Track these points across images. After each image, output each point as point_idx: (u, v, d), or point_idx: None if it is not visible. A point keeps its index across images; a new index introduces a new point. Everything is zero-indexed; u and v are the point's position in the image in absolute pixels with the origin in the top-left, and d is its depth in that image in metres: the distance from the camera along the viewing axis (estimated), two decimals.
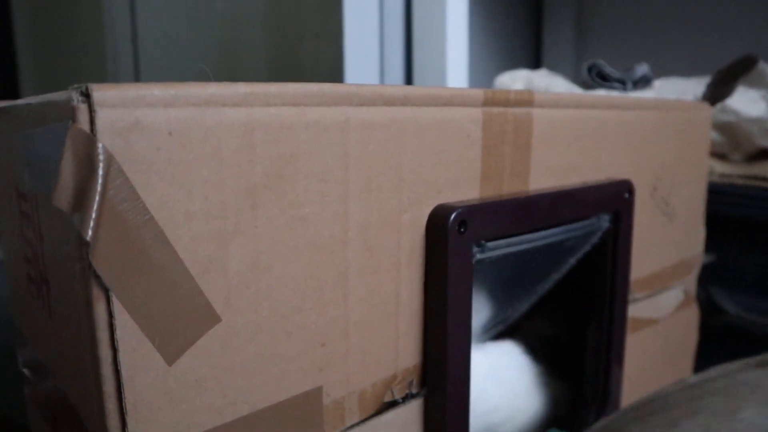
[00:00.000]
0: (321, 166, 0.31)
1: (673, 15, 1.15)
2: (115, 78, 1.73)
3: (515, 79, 0.85)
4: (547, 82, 0.83)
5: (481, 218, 0.38)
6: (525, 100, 0.42)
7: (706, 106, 0.63)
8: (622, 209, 0.50)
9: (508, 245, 0.41)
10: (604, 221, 0.49)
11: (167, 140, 0.26)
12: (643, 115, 0.54)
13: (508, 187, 0.42)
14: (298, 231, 0.31)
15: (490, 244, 0.39)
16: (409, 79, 0.90)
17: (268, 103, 0.29)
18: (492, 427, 0.50)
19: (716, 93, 0.64)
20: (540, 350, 0.58)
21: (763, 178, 0.68)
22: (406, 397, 0.38)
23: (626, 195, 0.50)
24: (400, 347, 0.37)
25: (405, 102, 0.34)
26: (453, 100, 0.37)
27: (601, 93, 0.81)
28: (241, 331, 0.29)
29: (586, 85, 0.84)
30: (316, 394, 0.33)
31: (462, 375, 0.38)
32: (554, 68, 1.16)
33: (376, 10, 0.87)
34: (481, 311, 0.49)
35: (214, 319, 0.28)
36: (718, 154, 0.75)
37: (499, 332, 0.55)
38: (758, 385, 0.35)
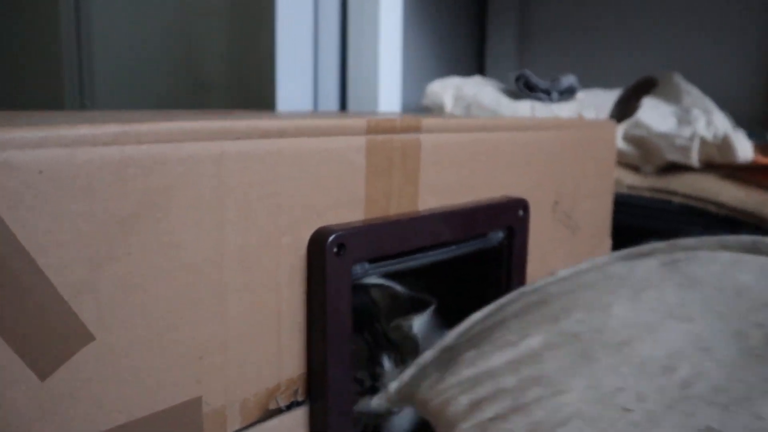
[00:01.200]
0: (195, 196, 0.34)
1: (612, 23, 1.20)
2: (69, 68, 1.72)
3: (445, 88, 0.89)
4: (475, 90, 0.87)
5: (361, 240, 0.41)
6: (412, 126, 0.45)
7: (611, 123, 0.67)
8: (516, 225, 0.54)
9: (393, 264, 0.45)
10: (499, 236, 0.53)
11: (37, 178, 0.29)
12: (543, 135, 0.58)
13: (396, 209, 0.45)
14: (172, 255, 0.34)
15: (370, 266, 0.43)
16: (343, 85, 0.93)
17: (140, 141, 0.32)
18: None
19: (622, 111, 0.68)
20: None
21: (667, 191, 0.72)
22: (291, 405, 0.42)
23: (520, 212, 0.54)
24: (284, 359, 0.40)
25: (281, 134, 0.38)
26: (332, 131, 0.40)
27: (525, 102, 0.85)
28: (116, 346, 0.32)
29: (514, 95, 0.88)
30: (194, 403, 0.36)
31: (342, 385, 0.42)
32: (496, 74, 1.21)
33: (310, 29, 0.90)
34: None
35: (87, 337, 0.31)
36: (630, 166, 0.79)
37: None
38: (625, 278, 0.39)
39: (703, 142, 0.74)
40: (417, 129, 0.45)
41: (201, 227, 0.35)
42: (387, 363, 0.50)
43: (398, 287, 0.55)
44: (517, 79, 0.88)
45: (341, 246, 0.40)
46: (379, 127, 0.43)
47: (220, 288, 0.36)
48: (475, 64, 1.28)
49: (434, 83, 0.91)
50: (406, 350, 0.52)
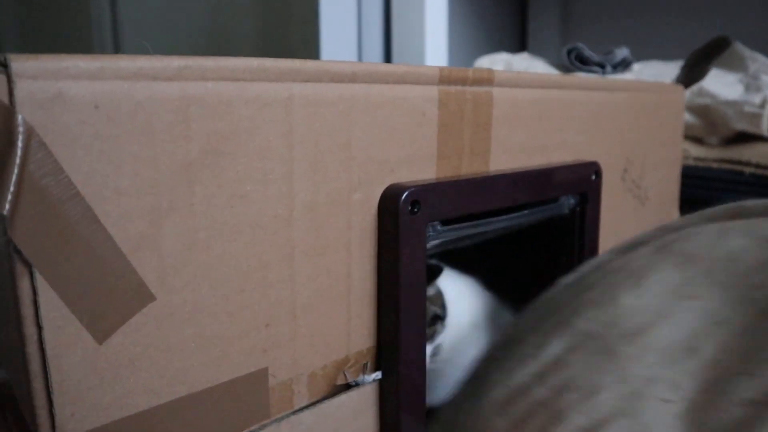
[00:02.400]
0: (263, 143, 0.31)
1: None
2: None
3: (495, 62, 0.84)
4: (525, 65, 0.83)
5: (436, 198, 0.37)
6: (484, 78, 0.41)
7: (679, 88, 0.63)
8: (589, 191, 0.49)
9: (468, 227, 0.41)
10: (570, 203, 0.49)
11: (93, 114, 0.25)
12: (613, 96, 0.54)
13: (468, 167, 0.41)
14: (239, 209, 0.30)
15: (445, 227, 0.39)
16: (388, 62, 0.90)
17: (204, 77, 0.28)
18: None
19: (690, 75, 0.64)
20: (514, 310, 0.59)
21: (739, 162, 0.67)
22: (361, 381, 0.38)
23: (593, 177, 0.50)
24: (353, 329, 0.37)
25: (354, 79, 0.34)
26: (406, 78, 0.36)
27: (579, 76, 0.80)
28: (178, 310, 0.29)
29: (565, 69, 0.83)
30: (260, 375, 0.33)
31: (416, 358, 0.38)
32: (539, 52, 1.16)
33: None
34: None
35: (147, 297, 0.28)
36: (694, 138, 0.74)
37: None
38: (625, 269, 0.37)
39: None
40: (490, 81, 0.41)
41: (270, 179, 0.31)
42: None
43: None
44: (569, 53, 0.83)
45: (416, 203, 0.36)
46: (452, 77, 0.39)
47: (289, 248, 0.33)
48: (517, 42, 1.23)
49: (482, 59, 0.86)
50: (431, 325, 0.49)
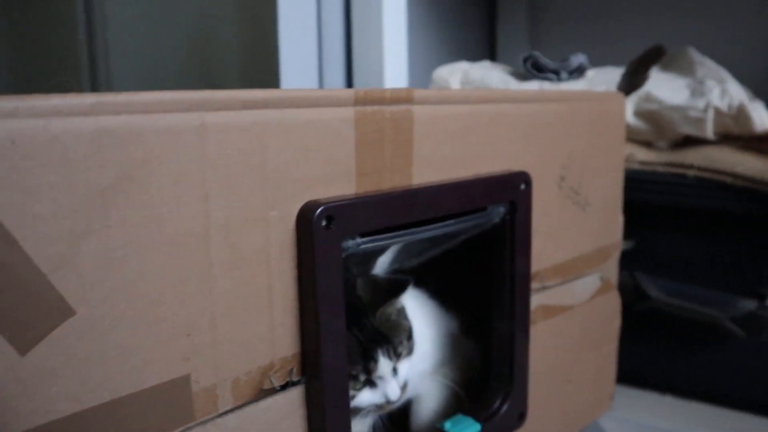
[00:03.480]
0: (176, 168, 0.34)
1: (622, 3, 1.18)
2: (88, 71, 1.74)
3: (453, 72, 0.88)
4: (482, 74, 0.86)
5: (351, 213, 0.41)
6: (403, 97, 0.45)
7: (619, 96, 0.66)
8: (518, 199, 0.53)
9: (386, 239, 0.44)
10: (500, 211, 0.52)
11: (10, 149, 0.29)
12: (546, 107, 0.57)
13: (390, 183, 0.45)
14: (154, 229, 0.34)
15: (363, 239, 0.42)
16: (349, 73, 0.93)
17: (116, 111, 0.32)
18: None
19: (630, 83, 0.67)
20: (458, 318, 0.62)
21: (682, 165, 0.71)
22: (286, 385, 0.41)
23: (522, 186, 0.53)
24: (277, 337, 0.40)
25: (266, 105, 0.37)
26: (320, 102, 0.40)
27: (533, 84, 0.84)
28: (98, 323, 0.32)
29: (522, 77, 0.87)
30: (183, 381, 0.36)
31: (338, 363, 0.41)
32: (508, 59, 1.19)
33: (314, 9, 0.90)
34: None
35: (68, 312, 0.31)
36: (644, 142, 0.78)
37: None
38: None
39: (718, 112, 0.72)
40: (409, 100, 0.45)
41: (184, 200, 0.35)
42: (381, 356, 0.50)
43: (378, 274, 0.54)
44: (525, 61, 0.86)
45: (330, 218, 0.39)
46: (367, 98, 0.42)
47: (206, 263, 0.36)
48: (487, 50, 1.27)
49: (441, 68, 0.90)
50: (397, 339, 0.51)
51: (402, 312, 0.54)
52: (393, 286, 0.51)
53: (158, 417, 0.35)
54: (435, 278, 0.63)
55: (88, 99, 0.31)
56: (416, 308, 0.60)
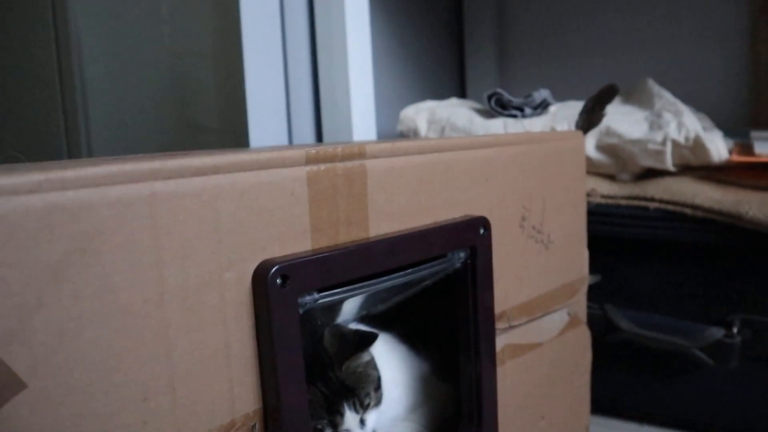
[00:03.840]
0: (128, 238, 0.35)
1: (591, 35, 1.22)
2: (64, 114, 1.76)
3: (419, 111, 0.90)
4: (449, 112, 0.88)
5: (306, 270, 0.41)
6: (355, 153, 0.46)
7: (578, 134, 0.68)
8: (478, 244, 0.54)
9: (343, 293, 0.45)
10: (461, 257, 0.54)
11: None
12: (503, 151, 0.58)
13: (346, 236, 0.46)
14: (108, 298, 0.34)
15: (320, 294, 0.43)
16: (318, 119, 0.95)
17: (64, 187, 0.33)
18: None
19: (588, 121, 0.69)
20: (429, 361, 0.63)
21: (644, 198, 0.72)
22: None
23: (481, 230, 0.54)
24: (236, 395, 0.41)
25: (216, 170, 0.38)
26: (271, 163, 0.41)
27: (498, 121, 0.86)
28: (52, 393, 0.33)
29: (488, 114, 0.89)
30: None
31: (299, 418, 0.42)
32: (478, 94, 1.22)
33: (280, 68, 0.92)
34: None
35: (19, 386, 0.32)
36: (607, 176, 0.79)
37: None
38: None
39: (676, 144, 0.74)
40: (361, 155, 0.46)
41: (137, 269, 0.35)
42: (347, 409, 0.50)
43: (344, 325, 0.55)
44: (489, 98, 0.88)
45: (285, 277, 0.40)
46: (319, 157, 0.43)
47: (162, 328, 0.37)
48: (457, 86, 1.29)
49: (408, 108, 0.92)
50: (364, 391, 0.52)
51: (370, 362, 0.55)
52: (360, 340, 0.52)
53: None
54: (404, 322, 0.64)
55: (35, 176, 0.32)
56: (386, 353, 0.61)
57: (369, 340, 0.52)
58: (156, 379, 0.37)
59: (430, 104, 0.92)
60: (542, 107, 0.88)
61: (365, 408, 0.52)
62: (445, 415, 0.61)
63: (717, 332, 0.70)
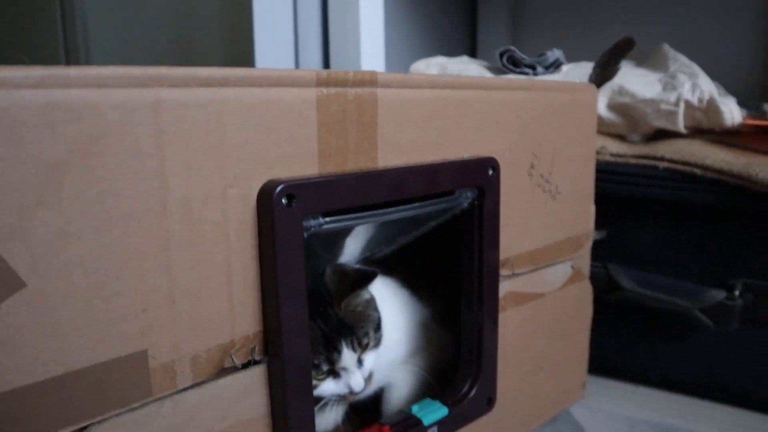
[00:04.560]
0: (132, 144, 0.34)
1: (603, 2, 1.19)
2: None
3: (429, 66, 0.88)
4: (459, 68, 0.86)
5: (313, 192, 0.40)
6: (367, 80, 0.44)
7: (591, 87, 0.66)
8: (486, 185, 0.53)
9: (350, 219, 0.44)
10: (468, 196, 0.52)
11: None
12: (516, 95, 0.57)
13: (354, 164, 0.45)
14: (110, 203, 0.33)
15: (326, 219, 0.42)
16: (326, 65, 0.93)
17: (68, 85, 0.32)
18: None
19: (601, 75, 0.67)
20: (431, 307, 0.62)
21: (654, 157, 0.71)
22: (248, 364, 0.41)
23: (490, 171, 0.53)
24: (237, 315, 0.40)
25: (224, 83, 0.37)
26: (281, 81, 0.40)
27: (510, 78, 0.84)
28: (51, 295, 0.32)
29: (499, 72, 0.87)
30: (140, 357, 0.36)
31: (299, 343, 0.41)
32: (488, 54, 1.19)
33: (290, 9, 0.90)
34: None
35: (18, 284, 0.31)
36: (618, 136, 0.78)
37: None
38: None
39: (689, 106, 0.72)
40: (372, 83, 0.45)
41: (140, 176, 0.34)
42: (344, 347, 0.50)
43: (346, 263, 0.54)
44: (501, 55, 0.87)
45: (291, 197, 0.39)
46: (330, 80, 0.42)
47: (164, 239, 0.36)
48: (467, 45, 1.27)
49: (418, 62, 0.90)
50: (362, 331, 0.51)
51: (371, 303, 0.54)
52: (360, 277, 0.51)
53: (114, 391, 0.35)
54: (408, 267, 0.63)
55: (38, 71, 0.31)
56: (388, 297, 0.60)
57: (369, 277, 0.51)
58: (156, 291, 0.36)
59: (441, 59, 0.90)
60: (554, 67, 0.86)
61: (363, 348, 0.52)
62: (444, 361, 0.61)
63: (718, 294, 0.69)
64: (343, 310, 0.51)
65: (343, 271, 0.52)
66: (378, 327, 0.54)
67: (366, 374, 0.51)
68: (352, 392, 0.50)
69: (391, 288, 0.61)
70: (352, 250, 0.59)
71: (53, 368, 0.33)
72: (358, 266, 0.53)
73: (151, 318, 0.36)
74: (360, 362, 0.52)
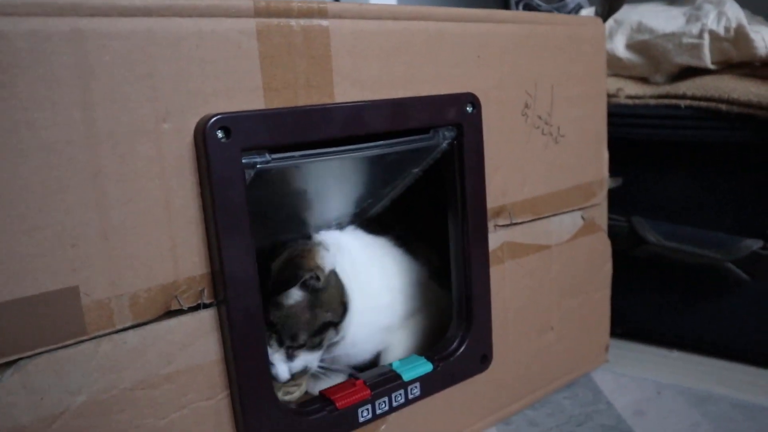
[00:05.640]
0: (48, 74, 0.34)
1: None
2: None
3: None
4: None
5: (254, 126, 0.40)
6: (314, 11, 0.43)
7: (596, 20, 0.62)
8: (465, 122, 0.51)
9: (301, 157, 0.43)
10: (446, 136, 0.50)
11: None
12: (500, 28, 0.54)
13: (306, 99, 0.44)
14: (27, 134, 0.34)
15: (273, 156, 0.41)
16: None
17: None
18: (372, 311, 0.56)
19: (608, 6, 0.63)
20: (428, 265, 0.61)
21: (675, 96, 0.66)
22: (198, 307, 0.41)
23: (469, 108, 0.51)
24: (179, 255, 0.40)
25: (147, 13, 0.37)
26: (213, 11, 0.39)
27: None
28: None
29: None
30: (71, 292, 0.36)
31: (245, 286, 0.40)
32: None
33: None
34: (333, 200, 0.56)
35: None
36: (638, 78, 0.73)
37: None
38: None
39: (715, 37, 0.67)
40: (321, 14, 0.44)
41: (59, 107, 0.35)
42: (271, 339, 0.50)
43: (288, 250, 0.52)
44: (517, 3, 0.83)
45: (227, 130, 0.39)
46: (271, 10, 0.41)
47: (90, 173, 0.36)
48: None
49: None
50: (287, 332, 0.50)
51: (312, 304, 0.52)
52: (279, 283, 0.49)
53: (46, 327, 0.36)
54: (403, 223, 0.62)
55: None
56: (378, 259, 0.59)
57: (286, 284, 0.49)
58: (85, 225, 0.36)
59: None
60: (576, 12, 0.82)
61: (294, 347, 0.51)
62: (444, 321, 0.59)
63: (753, 243, 0.64)
64: (271, 306, 0.50)
65: (272, 269, 0.50)
66: (322, 329, 0.52)
67: (296, 369, 0.51)
68: (277, 380, 0.50)
69: (383, 248, 0.60)
70: (339, 205, 0.58)
71: None
72: (280, 272, 0.50)
73: (82, 253, 0.36)
74: (291, 357, 0.51)
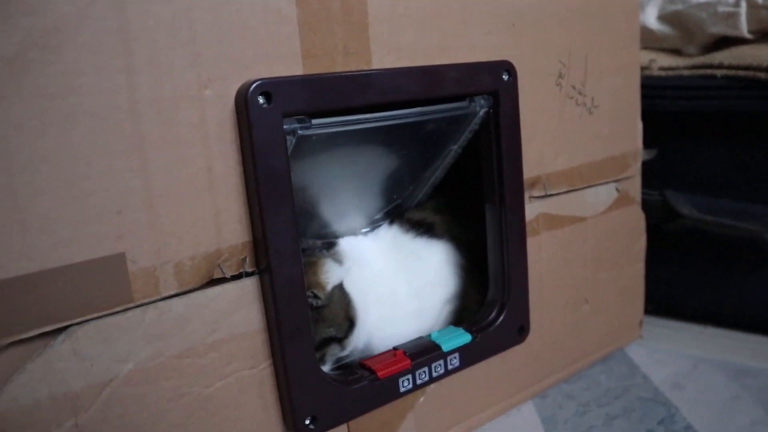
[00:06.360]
0: (92, 38, 0.34)
1: None
2: None
3: None
4: None
5: (294, 92, 0.40)
6: None
7: None
8: (501, 90, 0.50)
9: (343, 124, 0.43)
10: (482, 105, 0.50)
11: None
12: None
13: (344, 67, 0.44)
14: (73, 100, 0.34)
15: (318, 121, 0.41)
16: None
17: None
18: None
19: None
20: (457, 244, 0.59)
21: (710, 66, 0.66)
22: (240, 276, 0.41)
23: (505, 76, 0.51)
24: (222, 223, 0.40)
25: None
26: None
27: None
28: (19, 192, 0.33)
29: None
30: (117, 259, 0.36)
31: (288, 252, 0.41)
32: None
33: None
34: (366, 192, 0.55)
35: None
36: (671, 50, 0.72)
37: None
38: None
39: (752, 5, 0.66)
40: None
41: (104, 73, 0.35)
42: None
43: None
44: None
45: (268, 95, 0.39)
46: None
47: (135, 139, 0.36)
48: None
49: None
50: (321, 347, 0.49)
51: (333, 313, 0.50)
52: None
53: (94, 294, 0.36)
54: (446, 214, 0.60)
55: None
56: (404, 261, 0.56)
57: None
58: (131, 192, 0.36)
59: None
60: None
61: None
62: (477, 298, 0.58)
63: None
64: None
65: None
66: (322, 345, 0.49)
67: None
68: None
69: (412, 246, 0.57)
70: (375, 202, 0.56)
71: (25, 265, 0.34)
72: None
73: (128, 220, 0.37)
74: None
